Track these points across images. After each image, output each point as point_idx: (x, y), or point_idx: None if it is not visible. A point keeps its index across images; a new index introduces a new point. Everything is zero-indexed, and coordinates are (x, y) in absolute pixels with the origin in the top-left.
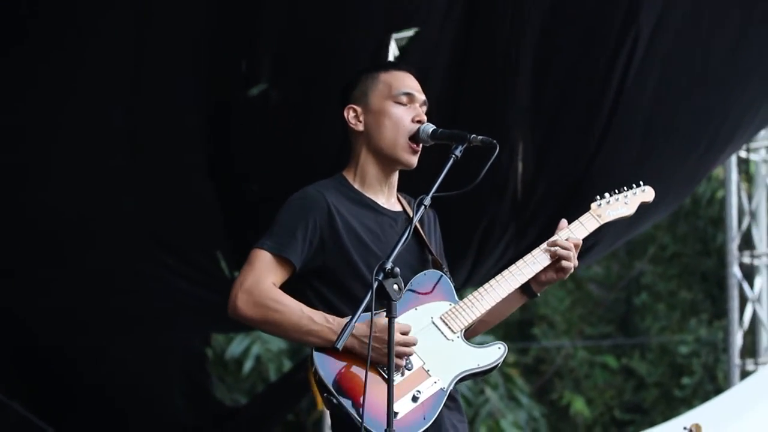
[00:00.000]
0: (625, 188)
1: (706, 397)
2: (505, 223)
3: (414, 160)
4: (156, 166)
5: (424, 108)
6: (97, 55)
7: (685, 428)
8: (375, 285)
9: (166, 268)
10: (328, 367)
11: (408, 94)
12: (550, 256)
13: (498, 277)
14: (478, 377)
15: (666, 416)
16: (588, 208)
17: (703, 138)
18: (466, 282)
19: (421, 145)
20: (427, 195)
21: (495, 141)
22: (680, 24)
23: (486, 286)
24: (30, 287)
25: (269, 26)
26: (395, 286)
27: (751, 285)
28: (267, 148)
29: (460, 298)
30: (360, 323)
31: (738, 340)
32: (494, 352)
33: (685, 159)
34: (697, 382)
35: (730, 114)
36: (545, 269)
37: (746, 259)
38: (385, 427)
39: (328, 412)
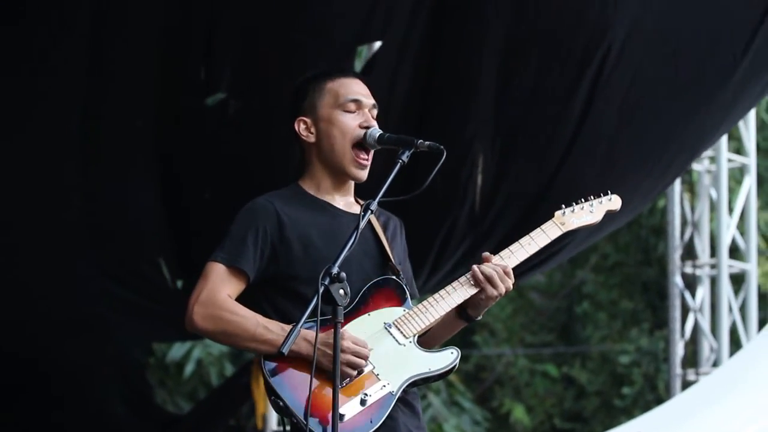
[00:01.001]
0: (592, 197)
1: (646, 407)
2: (461, 234)
3: (362, 174)
4: (103, 171)
5: (375, 111)
6: (52, 59)
7: None
8: (321, 289)
9: (108, 277)
10: (276, 372)
11: (355, 101)
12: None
13: (448, 287)
14: (430, 381)
15: (606, 425)
16: (552, 216)
17: (665, 153)
18: (420, 289)
19: (370, 155)
20: (374, 200)
21: (442, 147)
22: (649, 40)
23: (441, 292)
24: None
25: (230, 35)
26: (341, 291)
27: (693, 295)
28: (221, 157)
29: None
30: (320, 332)
31: (679, 350)
32: (447, 357)
33: (648, 174)
34: (638, 391)
35: (696, 130)
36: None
37: (688, 269)
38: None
39: (270, 417)
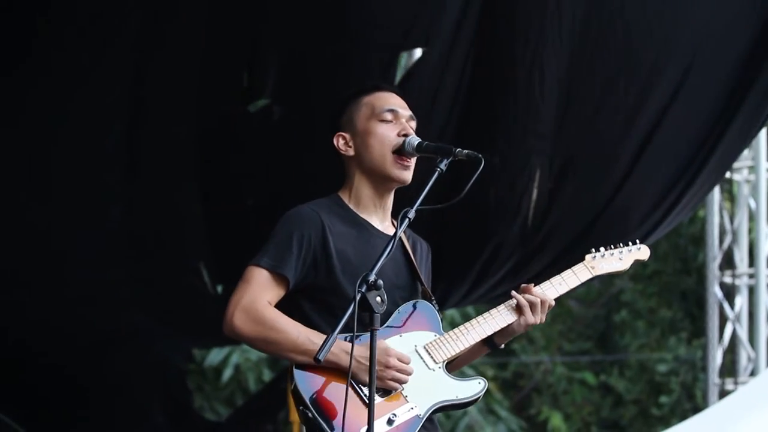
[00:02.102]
0: (621, 244)
1: (683, 416)
2: (511, 249)
3: (406, 175)
4: (144, 178)
5: (412, 123)
6: (97, 66)
7: None
8: (358, 296)
9: (148, 283)
10: (307, 382)
11: (392, 111)
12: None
13: (481, 317)
14: (455, 409)
15: None
16: (582, 258)
17: (705, 162)
18: (458, 303)
19: (413, 159)
20: (411, 208)
21: (480, 155)
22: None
23: (473, 321)
24: (16, 302)
25: (273, 42)
26: (378, 299)
27: (732, 304)
28: (264, 163)
29: (447, 324)
30: (358, 344)
31: (717, 359)
32: (474, 386)
33: (698, 191)
34: (675, 400)
35: (733, 136)
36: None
37: (727, 279)
38: None
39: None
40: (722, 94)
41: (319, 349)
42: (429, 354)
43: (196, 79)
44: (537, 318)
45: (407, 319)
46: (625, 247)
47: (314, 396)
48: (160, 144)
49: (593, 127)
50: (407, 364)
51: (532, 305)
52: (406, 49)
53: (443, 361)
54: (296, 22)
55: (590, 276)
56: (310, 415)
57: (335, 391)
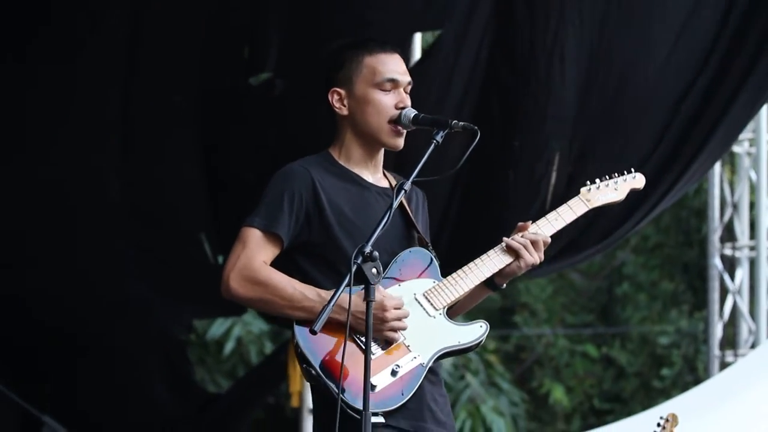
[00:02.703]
0: (616, 174)
1: (685, 388)
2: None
3: (399, 142)
4: (145, 150)
5: (409, 88)
6: (95, 34)
7: (661, 418)
8: (354, 268)
9: (149, 253)
10: (309, 339)
11: (392, 80)
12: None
13: (476, 260)
14: (458, 354)
15: (645, 406)
16: (578, 193)
17: (711, 136)
18: None
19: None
20: (408, 180)
21: (476, 127)
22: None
23: (470, 265)
24: (22, 275)
25: (277, 15)
26: (374, 270)
27: (732, 277)
28: (265, 135)
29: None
30: (354, 296)
31: (718, 331)
32: (476, 330)
33: (702, 165)
34: (677, 373)
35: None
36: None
37: (728, 251)
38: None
39: (306, 396)
40: (728, 70)
41: (315, 320)
42: (429, 301)
43: (197, 50)
44: (536, 257)
45: (405, 269)
46: (620, 177)
47: (317, 353)
48: (160, 115)
49: (612, 110)
50: (402, 309)
51: (525, 246)
52: (421, 31)
53: (443, 307)
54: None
55: (586, 208)
56: (313, 372)
57: (338, 347)
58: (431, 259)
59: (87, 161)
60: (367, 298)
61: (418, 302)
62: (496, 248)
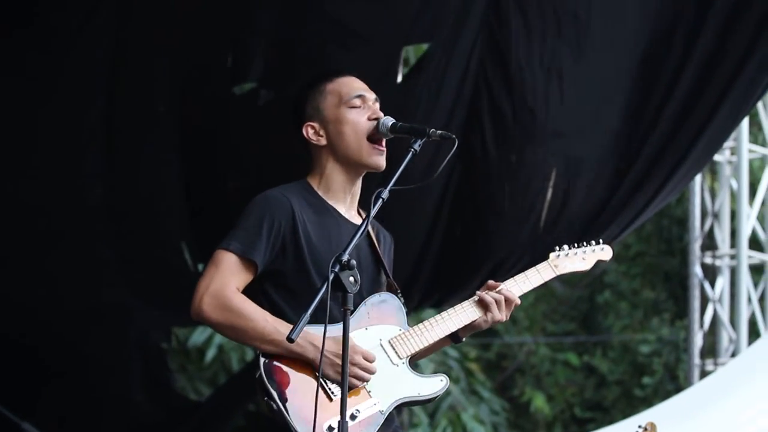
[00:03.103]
0: (585, 243)
1: (666, 397)
2: (522, 249)
3: (381, 161)
4: (126, 157)
5: (377, 105)
6: (77, 42)
7: (640, 426)
8: (331, 276)
9: (128, 262)
10: (272, 372)
11: (360, 96)
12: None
13: (449, 310)
14: (416, 405)
15: (626, 415)
16: (547, 257)
17: (693, 148)
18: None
19: (384, 142)
20: (385, 188)
21: (454, 136)
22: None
23: (437, 317)
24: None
25: (263, 25)
26: (351, 279)
27: (713, 285)
28: (247, 146)
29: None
30: (319, 334)
31: (698, 340)
32: (436, 384)
33: (686, 175)
34: (658, 381)
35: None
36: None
37: (708, 260)
38: None
39: None
40: (711, 80)
41: (292, 328)
42: (393, 349)
43: (181, 57)
44: (503, 315)
45: (373, 312)
46: (589, 247)
47: (279, 387)
48: (141, 122)
49: (606, 124)
50: (372, 361)
51: (498, 302)
52: (410, 44)
53: (407, 357)
54: (288, 11)
55: (553, 275)
56: (275, 407)
57: (300, 384)
58: (400, 306)
59: (68, 166)
60: (345, 306)
61: (383, 348)
62: (465, 302)
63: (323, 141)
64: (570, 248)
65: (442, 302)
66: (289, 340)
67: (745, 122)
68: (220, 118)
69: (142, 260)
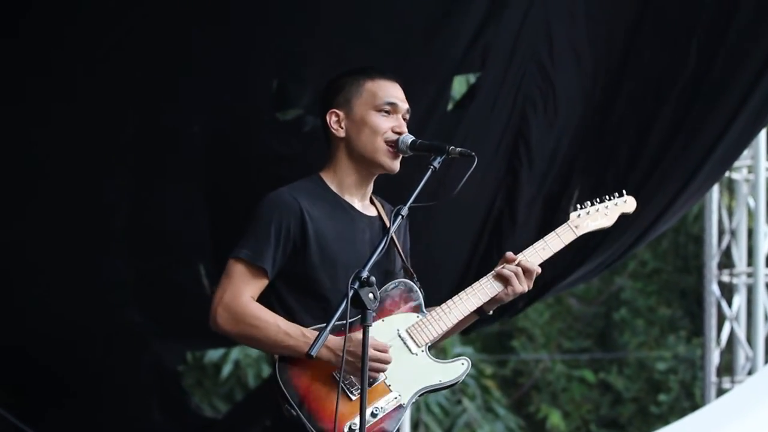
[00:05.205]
0: (607, 197)
1: (682, 414)
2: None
3: (396, 164)
4: (149, 179)
5: (407, 116)
6: (111, 58)
7: None
8: (351, 293)
9: (146, 284)
10: (290, 379)
11: (392, 104)
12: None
13: (463, 292)
14: (439, 391)
15: None
16: (568, 218)
17: (706, 161)
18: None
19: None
20: (405, 205)
21: (473, 153)
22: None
23: (455, 298)
24: (17, 303)
25: (315, 55)
26: (371, 295)
27: (730, 303)
28: (283, 171)
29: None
30: (334, 336)
31: (715, 358)
32: (458, 368)
33: (697, 191)
34: (674, 398)
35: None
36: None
37: (725, 278)
38: None
39: None
40: (726, 97)
41: (312, 344)
42: (411, 338)
43: (213, 77)
44: (524, 286)
45: (388, 302)
46: (611, 201)
47: (296, 391)
48: (162, 142)
49: (624, 140)
50: (385, 351)
51: (516, 275)
52: (460, 74)
53: (426, 345)
54: (344, 34)
55: (574, 236)
56: (294, 412)
57: (318, 387)
58: (417, 292)
59: (87, 189)
60: (364, 323)
61: (401, 338)
62: (486, 277)
63: (342, 133)
64: (591, 204)
65: (473, 327)
66: (309, 356)
67: (763, 141)
68: (251, 142)
69: (159, 283)
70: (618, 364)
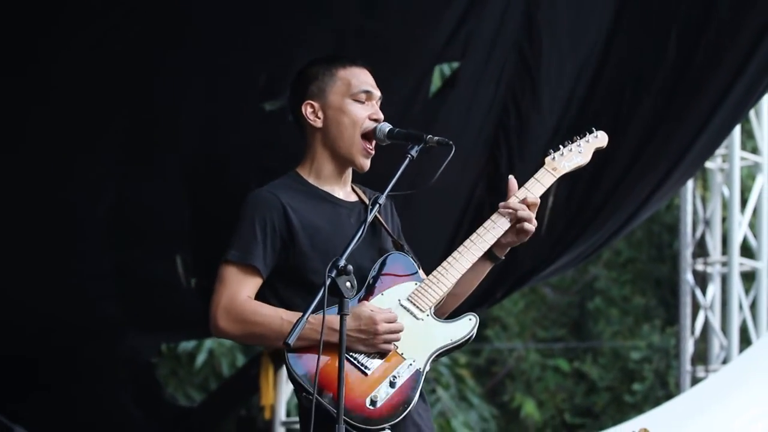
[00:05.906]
0: (578, 137)
1: (656, 403)
2: (524, 256)
3: (366, 164)
4: (130, 170)
5: (379, 104)
6: (103, 55)
7: None
8: (328, 282)
9: (122, 276)
10: (302, 366)
11: (367, 92)
12: (510, 219)
13: (461, 248)
14: (453, 351)
15: (616, 421)
16: (542, 164)
17: (687, 153)
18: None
19: (374, 145)
20: (382, 194)
21: (451, 142)
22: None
23: (450, 259)
24: None
25: (301, 51)
26: (348, 284)
27: (704, 292)
28: (268, 161)
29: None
30: (348, 318)
31: (689, 347)
32: (466, 325)
33: (676, 183)
34: (648, 387)
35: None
36: (506, 232)
37: (699, 267)
38: (364, 416)
39: (279, 408)
40: (707, 89)
41: (289, 333)
42: (414, 304)
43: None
44: (533, 219)
45: (384, 275)
46: (582, 138)
47: (310, 379)
48: (145, 133)
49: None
50: (394, 321)
51: (521, 208)
52: (441, 63)
53: (430, 308)
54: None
55: (554, 179)
56: (313, 398)
57: (331, 370)
58: (409, 261)
59: (73, 179)
60: (341, 312)
61: (404, 308)
62: (481, 229)
63: (319, 123)
64: (563, 146)
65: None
66: (286, 344)
67: (737, 130)
68: (225, 133)
69: (135, 274)
70: (592, 353)
